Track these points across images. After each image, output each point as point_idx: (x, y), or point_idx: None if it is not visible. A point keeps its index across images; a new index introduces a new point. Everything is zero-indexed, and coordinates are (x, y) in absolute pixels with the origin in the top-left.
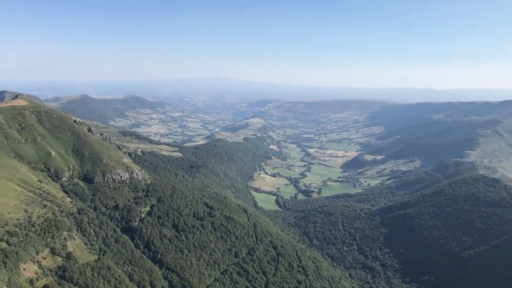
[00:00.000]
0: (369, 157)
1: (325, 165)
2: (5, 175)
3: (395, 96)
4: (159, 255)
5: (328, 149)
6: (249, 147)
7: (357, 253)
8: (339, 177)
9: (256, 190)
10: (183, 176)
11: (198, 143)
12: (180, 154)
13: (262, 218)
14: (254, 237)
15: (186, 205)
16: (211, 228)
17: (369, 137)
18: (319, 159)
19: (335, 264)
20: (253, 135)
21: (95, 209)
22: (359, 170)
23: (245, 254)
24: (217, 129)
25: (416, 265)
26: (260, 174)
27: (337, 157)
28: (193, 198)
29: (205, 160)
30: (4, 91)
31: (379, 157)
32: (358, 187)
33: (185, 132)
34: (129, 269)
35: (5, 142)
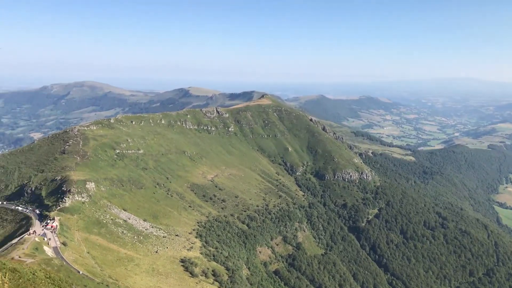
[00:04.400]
0: None
1: None
2: (249, 165)
3: None
4: (385, 260)
5: None
6: (495, 156)
7: None
8: None
9: (501, 205)
10: (414, 182)
11: (433, 148)
12: (412, 158)
13: (507, 237)
14: (495, 257)
15: (417, 212)
16: (443, 240)
17: None
18: None
19: None
20: (501, 142)
21: (324, 205)
22: None
23: (482, 274)
24: (456, 134)
25: None
26: (506, 187)
27: None
28: (425, 206)
29: (440, 166)
30: (253, 91)
31: None
32: None
33: (420, 135)
34: (353, 268)
35: (251, 136)
